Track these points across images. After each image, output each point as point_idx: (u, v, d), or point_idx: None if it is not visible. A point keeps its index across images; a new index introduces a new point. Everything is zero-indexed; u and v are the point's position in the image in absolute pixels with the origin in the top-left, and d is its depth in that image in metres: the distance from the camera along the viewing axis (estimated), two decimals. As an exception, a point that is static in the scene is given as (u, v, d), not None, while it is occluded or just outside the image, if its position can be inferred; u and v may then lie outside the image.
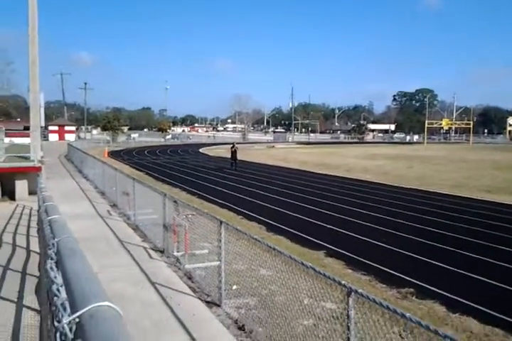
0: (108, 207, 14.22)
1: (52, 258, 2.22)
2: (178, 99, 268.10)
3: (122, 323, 1.15)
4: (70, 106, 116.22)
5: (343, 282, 4.40)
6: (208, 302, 6.71)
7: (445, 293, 7.31)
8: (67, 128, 79.10)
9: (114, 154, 42.40)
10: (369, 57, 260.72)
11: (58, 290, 1.66)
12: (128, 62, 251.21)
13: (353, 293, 4.26)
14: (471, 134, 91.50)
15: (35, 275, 7.01)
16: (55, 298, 1.61)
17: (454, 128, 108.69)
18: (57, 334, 1.35)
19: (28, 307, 5.55)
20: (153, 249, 9.51)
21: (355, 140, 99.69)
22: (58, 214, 3.68)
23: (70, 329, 1.24)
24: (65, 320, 1.26)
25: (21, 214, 13.85)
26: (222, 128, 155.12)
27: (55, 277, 1.88)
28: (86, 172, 23.12)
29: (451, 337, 3.37)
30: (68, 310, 1.41)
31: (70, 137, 73.38)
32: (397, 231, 11.65)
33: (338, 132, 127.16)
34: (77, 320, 1.21)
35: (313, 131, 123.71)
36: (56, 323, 1.45)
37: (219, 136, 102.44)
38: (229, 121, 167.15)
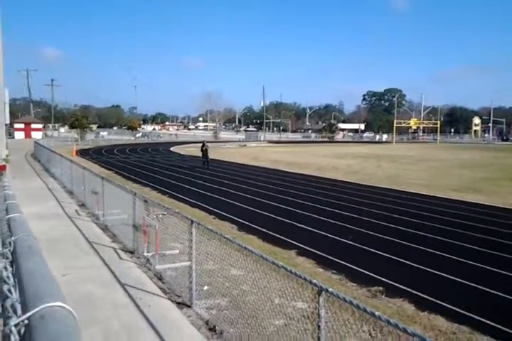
0: (76, 207, 13.94)
1: (7, 258, 2.13)
2: (148, 96, 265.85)
3: (76, 324, 1.10)
4: (36, 103, 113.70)
5: (313, 281, 4.41)
6: (178, 303, 6.64)
7: (414, 291, 7.43)
8: (33, 125, 77.38)
9: (82, 153, 41.62)
10: (340, 56, 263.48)
11: (10, 290, 1.59)
12: (96, 59, 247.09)
13: (323, 292, 4.26)
14: (439, 134, 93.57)
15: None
16: (6, 300, 1.54)
17: (421, 128, 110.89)
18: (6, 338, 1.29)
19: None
20: (122, 250, 9.36)
21: (325, 139, 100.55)
22: (19, 212, 3.57)
23: (19, 332, 1.18)
24: (13, 322, 1.20)
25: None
26: (193, 127, 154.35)
27: (8, 277, 1.80)
28: (53, 171, 22.61)
29: (420, 335, 3.42)
30: (19, 311, 1.35)
31: (37, 135, 71.74)
32: (366, 230, 11.80)
33: (310, 131, 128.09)
34: (26, 321, 1.16)
35: (284, 130, 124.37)
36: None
37: (186, 135, 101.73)
38: (200, 119, 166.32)
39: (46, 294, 1.28)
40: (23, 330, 1.19)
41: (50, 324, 1.08)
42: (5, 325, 1.40)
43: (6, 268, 2.00)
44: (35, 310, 1.15)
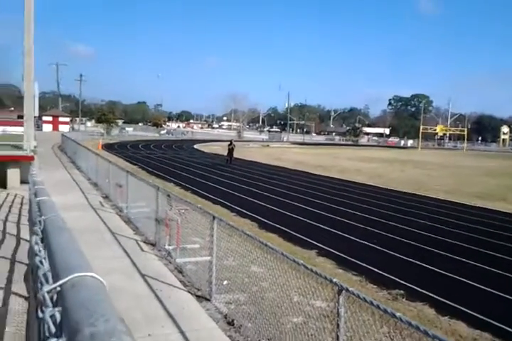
0: (100, 199, 14.14)
1: (38, 235, 2.19)
2: (174, 94, 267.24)
3: (105, 292, 1.11)
4: (65, 97, 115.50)
5: (334, 280, 4.38)
6: (198, 297, 6.68)
7: (434, 296, 7.33)
8: (61, 119, 78.76)
9: (107, 147, 42.17)
10: (367, 60, 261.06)
11: (41, 262, 1.62)
12: (125, 57, 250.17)
13: (343, 291, 4.24)
14: (465, 141, 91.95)
15: (24, 263, 6.93)
16: (38, 270, 1.56)
17: (448, 135, 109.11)
18: (38, 305, 1.30)
19: (16, 294, 5.49)
20: (144, 242, 9.46)
21: (349, 142, 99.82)
22: (47, 195, 3.66)
23: (51, 299, 1.20)
24: (46, 289, 1.22)
25: (12, 202, 13.74)
26: (217, 126, 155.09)
27: (39, 250, 1.85)
28: (79, 164, 23.00)
29: (441, 338, 3.35)
30: (50, 280, 1.38)
31: (64, 128, 72.97)
32: (390, 234, 11.67)
33: (333, 134, 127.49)
34: (58, 289, 1.18)
35: (308, 132, 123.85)
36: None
37: (209, 133, 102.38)
38: (224, 118, 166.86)
39: (77, 266, 1.30)
40: (55, 297, 1.21)
41: (81, 291, 1.10)
42: (38, 292, 1.43)
43: (37, 243, 2.06)
44: (67, 278, 1.17)
